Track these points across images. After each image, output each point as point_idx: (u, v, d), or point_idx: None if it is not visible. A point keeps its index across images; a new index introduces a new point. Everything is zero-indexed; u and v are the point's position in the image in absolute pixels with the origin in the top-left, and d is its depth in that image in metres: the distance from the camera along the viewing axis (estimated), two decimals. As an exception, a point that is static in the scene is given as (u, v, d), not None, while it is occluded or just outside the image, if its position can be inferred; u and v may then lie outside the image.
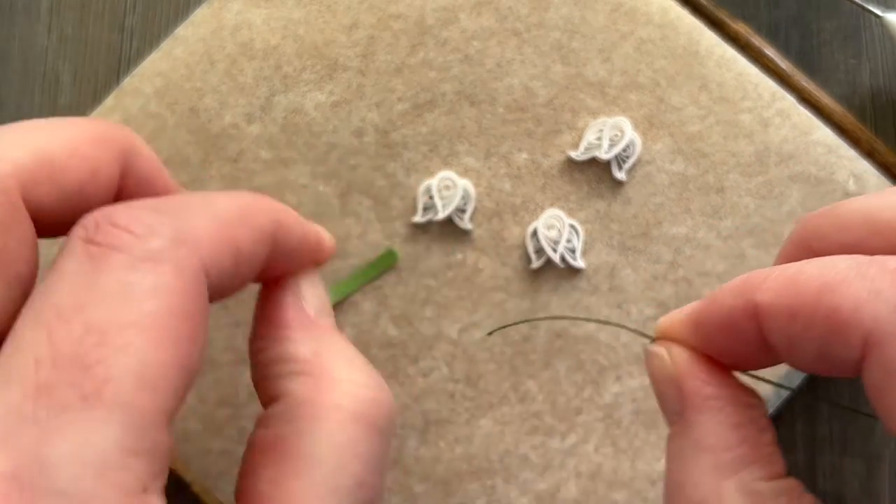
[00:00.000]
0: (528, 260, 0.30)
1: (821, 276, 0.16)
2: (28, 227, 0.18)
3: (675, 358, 0.20)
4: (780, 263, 0.20)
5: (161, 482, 0.16)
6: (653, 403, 0.29)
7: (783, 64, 0.31)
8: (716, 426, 0.18)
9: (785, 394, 0.29)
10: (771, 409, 0.29)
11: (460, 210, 0.30)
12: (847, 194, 0.29)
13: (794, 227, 0.20)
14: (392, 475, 0.29)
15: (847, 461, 0.30)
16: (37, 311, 0.15)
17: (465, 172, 0.30)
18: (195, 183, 0.30)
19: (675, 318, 0.20)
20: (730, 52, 0.30)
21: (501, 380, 0.29)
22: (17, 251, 0.17)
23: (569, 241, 0.29)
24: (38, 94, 0.33)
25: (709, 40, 0.30)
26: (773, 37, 0.32)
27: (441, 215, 0.29)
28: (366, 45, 0.31)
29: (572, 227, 0.29)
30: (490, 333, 0.29)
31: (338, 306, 0.30)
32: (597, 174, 0.30)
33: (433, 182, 0.30)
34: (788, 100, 0.30)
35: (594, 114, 0.30)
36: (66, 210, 0.18)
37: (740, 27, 0.31)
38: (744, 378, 0.20)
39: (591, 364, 0.29)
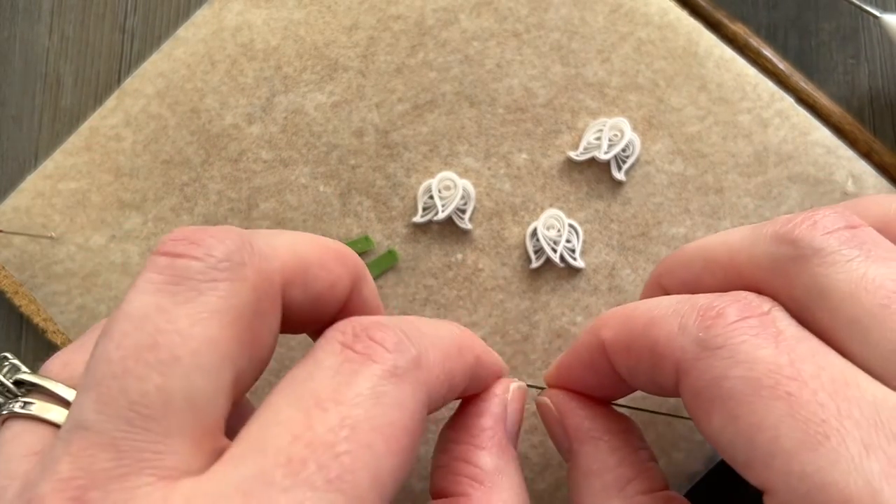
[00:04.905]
0: (528, 260, 0.30)
1: (648, 312, 0.19)
2: (278, 319, 0.20)
3: (557, 403, 0.23)
4: (643, 298, 0.23)
5: None
6: (650, 403, 0.29)
7: (782, 65, 0.31)
8: (597, 453, 0.22)
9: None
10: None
11: (460, 210, 0.30)
12: (845, 195, 0.29)
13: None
14: (392, 474, 0.29)
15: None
16: (298, 396, 0.17)
17: (465, 172, 0.30)
18: (196, 183, 0.30)
19: (553, 367, 0.23)
20: (728, 52, 0.30)
21: (501, 379, 0.29)
22: (266, 338, 0.19)
23: (568, 241, 0.29)
24: (39, 95, 0.33)
25: (707, 41, 0.30)
26: (771, 38, 0.32)
27: (441, 215, 0.29)
28: (366, 45, 0.31)
29: (572, 227, 0.30)
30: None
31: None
32: (596, 174, 0.30)
33: (433, 182, 0.30)
34: (787, 100, 0.30)
35: (593, 114, 0.30)
36: (305, 311, 0.21)
37: (739, 28, 0.31)
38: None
39: (590, 363, 0.29)
